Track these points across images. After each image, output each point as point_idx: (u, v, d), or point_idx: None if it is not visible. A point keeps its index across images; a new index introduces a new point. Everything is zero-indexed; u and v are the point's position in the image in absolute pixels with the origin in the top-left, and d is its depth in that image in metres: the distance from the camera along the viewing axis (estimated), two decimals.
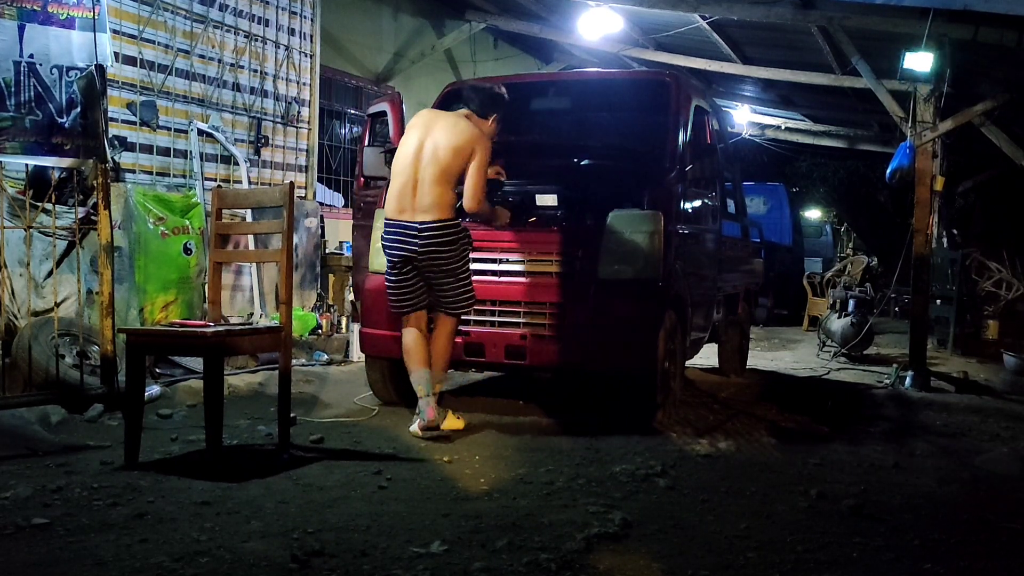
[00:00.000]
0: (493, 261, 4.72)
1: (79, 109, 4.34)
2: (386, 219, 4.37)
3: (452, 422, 4.45)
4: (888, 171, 6.96)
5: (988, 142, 8.29)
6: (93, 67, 4.36)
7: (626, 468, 3.73)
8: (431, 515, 3.03)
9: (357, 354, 6.40)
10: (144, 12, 6.10)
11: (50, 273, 4.94)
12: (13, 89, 4.16)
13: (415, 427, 4.34)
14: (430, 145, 4.27)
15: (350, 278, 7.43)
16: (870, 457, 4.21)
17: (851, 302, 9.01)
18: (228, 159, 6.80)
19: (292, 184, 4.03)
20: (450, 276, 4.32)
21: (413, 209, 4.26)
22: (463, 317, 4.55)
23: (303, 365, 6.12)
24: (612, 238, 4.56)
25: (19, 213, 4.63)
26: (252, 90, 7.07)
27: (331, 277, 7.76)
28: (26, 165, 4.49)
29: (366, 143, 5.75)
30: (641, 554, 2.74)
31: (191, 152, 6.40)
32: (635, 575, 2.59)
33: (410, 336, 4.41)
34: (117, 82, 5.83)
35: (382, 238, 4.43)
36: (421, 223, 4.24)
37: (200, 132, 6.48)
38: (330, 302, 7.55)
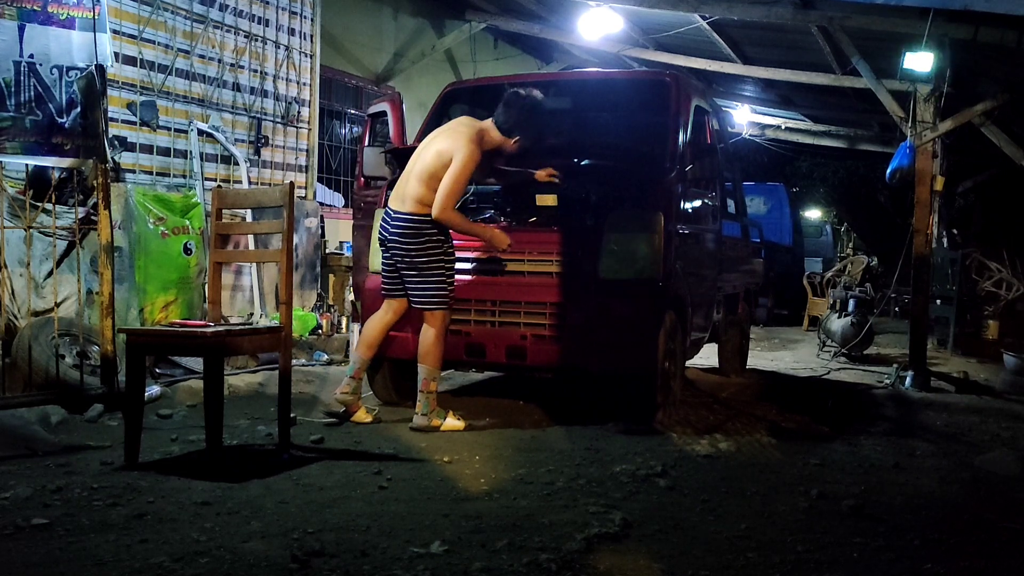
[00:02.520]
0: (493, 261, 4.73)
1: (79, 109, 4.34)
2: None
3: (452, 422, 4.46)
4: (888, 171, 6.96)
5: (988, 142, 8.29)
6: (93, 67, 4.36)
7: (626, 468, 3.73)
8: (431, 515, 3.03)
9: None
10: (144, 12, 6.10)
11: (50, 273, 4.94)
12: (13, 89, 4.16)
13: (414, 423, 4.40)
14: (427, 147, 4.42)
15: (350, 278, 7.42)
16: (870, 457, 4.21)
17: (851, 302, 9.01)
18: (228, 159, 6.80)
19: (292, 184, 4.03)
20: (414, 270, 4.38)
21: (396, 199, 4.44)
22: (462, 318, 4.55)
23: (303, 365, 6.12)
24: (612, 238, 4.56)
25: (19, 213, 4.63)
26: (252, 90, 7.07)
27: (331, 277, 7.77)
28: (26, 165, 4.49)
29: (366, 143, 5.75)
30: (641, 554, 2.74)
31: (191, 152, 6.40)
32: (635, 575, 2.59)
33: (374, 318, 4.63)
34: (117, 82, 5.83)
35: None
36: (396, 211, 4.40)
37: (200, 132, 6.48)
38: (330, 302, 7.55)
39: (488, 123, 4.48)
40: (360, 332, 4.76)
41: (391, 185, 4.83)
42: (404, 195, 4.38)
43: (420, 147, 4.50)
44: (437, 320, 4.40)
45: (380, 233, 4.51)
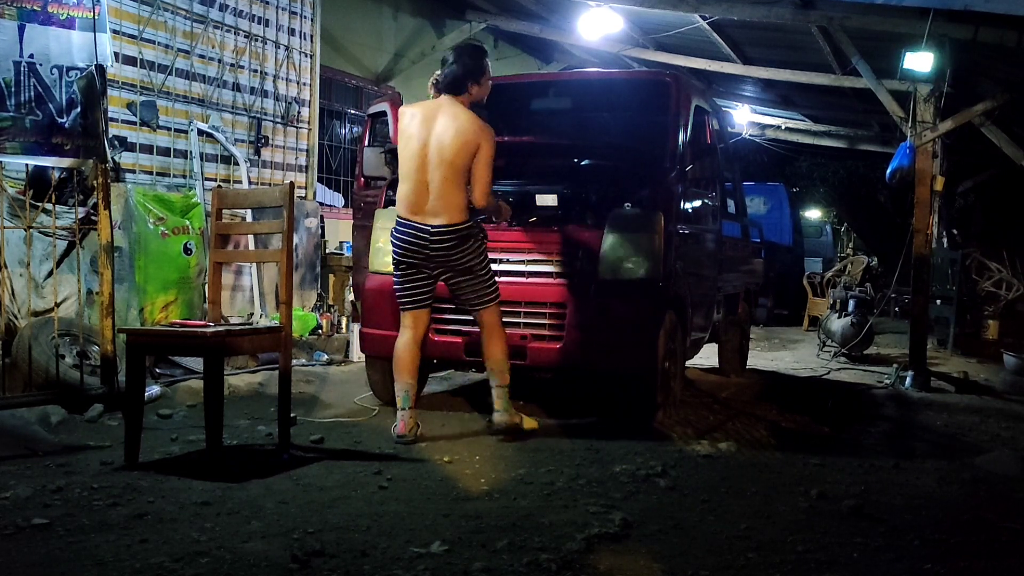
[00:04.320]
0: (494, 261, 4.72)
1: (79, 109, 4.34)
2: (399, 217, 4.26)
3: (528, 422, 4.45)
4: (888, 171, 6.96)
5: (988, 142, 8.29)
6: (93, 67, 4.36)
7: (626, 468, 3.73)
8: (431, 515, 3.03)
9: (357, 354, 6.40)
10: (144, 12, 6.10)
11: (50, 273, 4.94)
12: (13, 89, 4.15)
13: (496, 421, 4.36)
14: (435, 144, 4.15)
15: (350, 278, 7.43)
16: (870, 457, 4.21)
17: (851, 302, 9.00)
18: (228, 159, 6.80)
19: (292, 184, 4.03)
20: (469, 274, 4.25)
21: (425, 212, 4.17)
22: (463, 318, 4.55)
23: (303, 365, 6.12)
24: (612, 238, 4.56)
25: (19, 213, 4.62)
26: (252, 90, 7.07)
27: (331, 277, 7.76)
28: (26, 165, 4.48)
29: (366, 143, 5.76)
30: (641, 554, 2.74)
31: (191, 152, 6.40)
32: (635, 575, 2.59)
33: (402, 341, 4.31)
34: (117, 82, 5.83)
35: (393, 235, 4.29)
36: (434, 227, 4.15)
37: (200, 132, 6.48)
38: (330, 302, 7.55)
39: (462, 95, 4.26)
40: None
41: (391, 185, 4.80)
42: (436, 208, 4.15)
43: (417, 150, 4.18)
44: (494, 314, 4.31)
45: (415, 252, 4.20)
